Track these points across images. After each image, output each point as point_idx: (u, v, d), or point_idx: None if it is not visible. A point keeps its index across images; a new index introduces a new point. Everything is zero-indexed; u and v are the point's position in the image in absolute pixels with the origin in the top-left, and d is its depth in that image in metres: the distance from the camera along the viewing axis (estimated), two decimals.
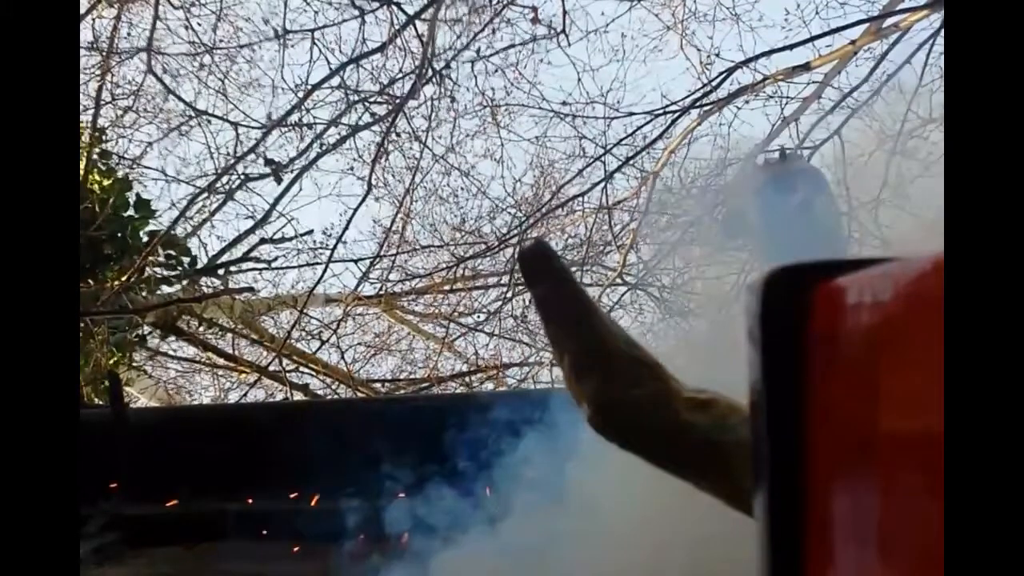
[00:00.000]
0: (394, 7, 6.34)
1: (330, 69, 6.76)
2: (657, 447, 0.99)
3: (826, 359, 0.56)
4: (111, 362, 6.18)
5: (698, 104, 6.04)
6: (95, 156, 6.54)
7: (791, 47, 5.57)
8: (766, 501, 0.59)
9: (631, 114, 6.39)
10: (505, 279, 7.36)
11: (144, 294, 6.46)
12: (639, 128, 6.36)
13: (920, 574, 0.48)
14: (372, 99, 6.94)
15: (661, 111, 6.14)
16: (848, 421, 0.54)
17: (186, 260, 6.98)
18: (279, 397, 7.28)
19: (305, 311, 6.97)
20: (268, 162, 6.87)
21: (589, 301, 1.08)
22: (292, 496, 2.59)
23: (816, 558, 0.56)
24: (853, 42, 5.43)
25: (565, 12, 6.34)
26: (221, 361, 7.51)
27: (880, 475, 0.51)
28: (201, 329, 7.45)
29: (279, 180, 6.99)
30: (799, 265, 0.60)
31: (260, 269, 7.72)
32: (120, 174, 6.82)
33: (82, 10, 6.31)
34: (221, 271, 7.44)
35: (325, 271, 6.84)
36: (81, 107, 6.33)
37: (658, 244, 7.20)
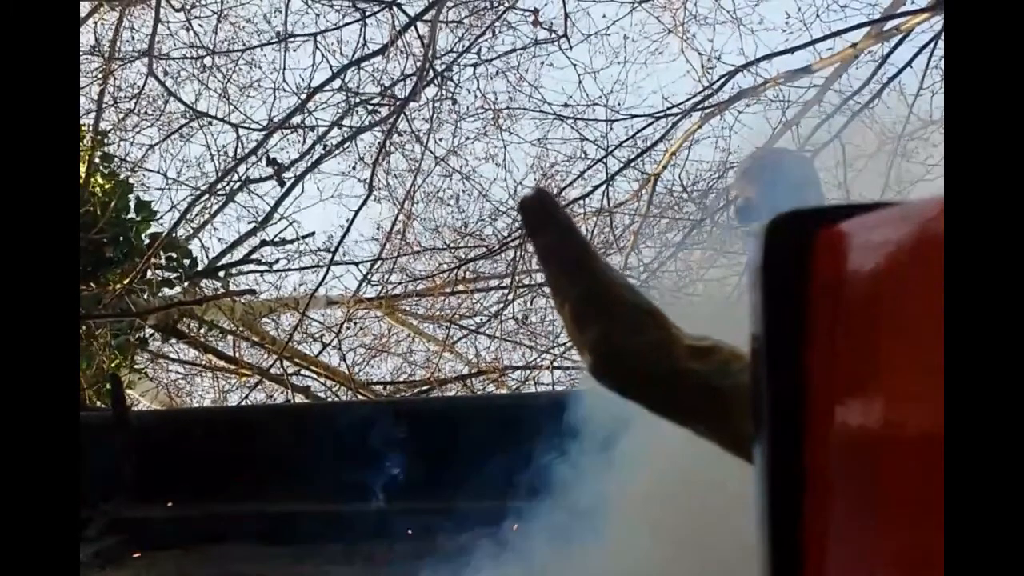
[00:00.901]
0: (395, 8, 6.35)
1: (331, 71, 6.77)
2: (658, 394, 0.99)
3: (828, 304, 0.56)
4: (112, 365, 6.18)
5: (699, 107, 6.04)
6: (96, 159, 6.54)
7: (792, 50, 5.57)
8: (765, 447, 0.59)
9: (632, 116, 6.39)
10: (507, 281, 7.36)
11: (146, 296, 6.46)
12: (640, 131, 6.36)
13: (920, 521, 0.48)
14: (373, 101, 6.95)
15: (662, 114, 6.15)
16: (849, 366, 0.54)
17: (187, 262, 6.98)
18: (280, 399, 7.28)
19: (306, 313, 6.96)
20: (271, 162, 6.86)
21: (590, 249, 1.08)
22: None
23: (815, 504, 0.56)
24: (854, 45, 5.42)
25: (567, 15, 6.34)
26: (222, 364, 7.51)
27: (881, 420, 0.51)
28: (203, 331, 7.45)
29: (282, 183, 7.00)
30: (802, 211, 0.60)
31: (261, 271, 7.73)
32: (121, 177, 6.82)
33: (83, 13, 6.32)
34: (222, 273, 7.45)
35: (327, 273, 6.85)
36: (82, 110, 6.34)
37: (659, 246, 7.21)
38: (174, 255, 6.89)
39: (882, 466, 0.51)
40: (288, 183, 7.11)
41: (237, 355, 7.47)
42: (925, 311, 0.49)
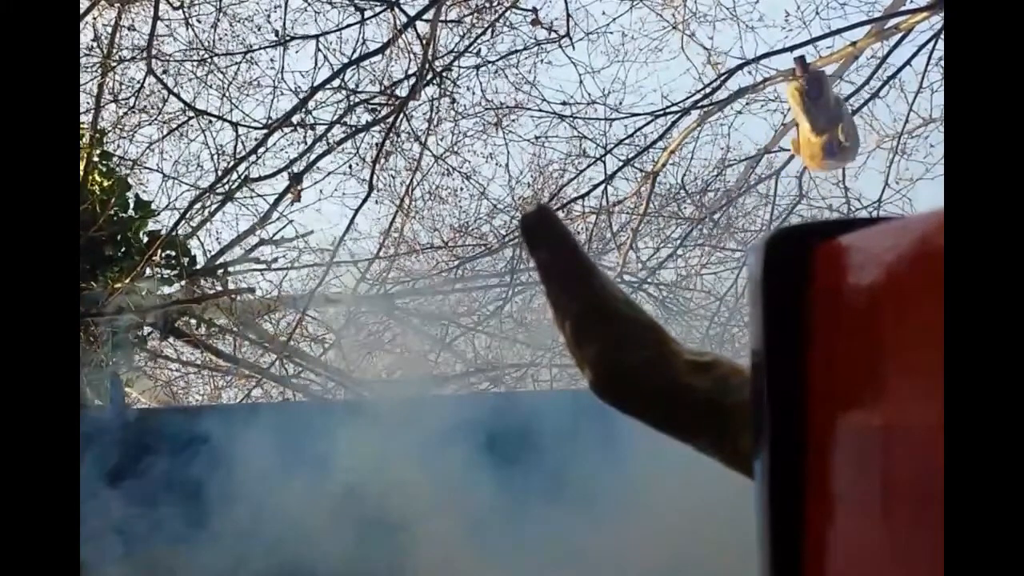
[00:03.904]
0: (395, 8, 6.34)
1: (331, 70, 6.76)
2: (658, 410, 0.99)
3: (828, 319, 0.56)
4: (112, 363, 6.18)
5: (699, 105, 6.04)
6: (95, 157, 6.53)
7: (791, 48, 5.57)
8: (766, 461, 0.59)
9: (632, 115, 6.39)
10: (505, 279, 7.36)
11: (145, 294, 6.45)
12: (639, 129, 6.36)
13: (921, 531, 0.48)
14: (373, 100, 6.94)
15: (662, 112, 6.15)
16: (850, 381, 0.54)
17: (185, 261, 6.97)
18: (279, 398, 7.29)
19: (305, 312, 6.96)
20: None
21: (590, 265, 1.08)
22: None
23: (816, 517, 0.56)
24: (854, 43, 5.43)
25: (568, 16, 6.33)
26: (221, 362, 7.51)
27: (881, 433, 0.51)
28: (202, 330, 7.45)
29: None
30: (801, 225, 0.60)
31: (260, 270, 7.72)
32: (120, 175, 6.81)
33: (82, 10, 6.31)
34: (220, 272, 7.44)
35: (326, 272, 6.85)
36: (81, 108, 6.33)
37: (658, 244, 7.21)
38: (173, 253, 6.89)
39: (884, 476, 0.51)
40: (284, 180, 7.12)
41: (236, 354, 7.47)
42: (926, 324, 0.48)
